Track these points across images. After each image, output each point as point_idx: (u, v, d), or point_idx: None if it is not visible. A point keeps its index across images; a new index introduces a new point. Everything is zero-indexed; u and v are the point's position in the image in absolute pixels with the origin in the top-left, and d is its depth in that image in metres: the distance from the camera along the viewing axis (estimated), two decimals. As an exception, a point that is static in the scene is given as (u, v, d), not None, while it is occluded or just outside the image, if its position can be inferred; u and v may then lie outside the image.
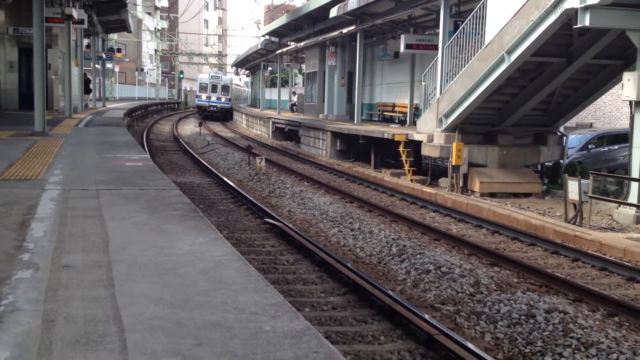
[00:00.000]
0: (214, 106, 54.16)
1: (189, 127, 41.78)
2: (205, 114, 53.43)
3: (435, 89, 17.90)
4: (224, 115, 54.97)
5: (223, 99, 54.78)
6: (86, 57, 34.69)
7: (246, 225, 11.73)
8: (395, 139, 18.56)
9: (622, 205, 12.89)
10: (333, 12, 25.70)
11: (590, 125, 26.11)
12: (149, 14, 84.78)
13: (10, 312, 3.37)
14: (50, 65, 25.63)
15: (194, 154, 23.95)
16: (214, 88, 54.36)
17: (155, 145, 27.68)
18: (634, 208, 12.54)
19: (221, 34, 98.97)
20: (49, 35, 23.83)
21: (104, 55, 40.31)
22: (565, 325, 6.70)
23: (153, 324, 3.26)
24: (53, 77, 26.51)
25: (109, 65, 47.47)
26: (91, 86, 35.02)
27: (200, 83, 55.91)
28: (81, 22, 24.08)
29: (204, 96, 54.85)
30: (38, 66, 15.08)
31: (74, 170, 9.10)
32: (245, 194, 14.48)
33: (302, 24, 34.22)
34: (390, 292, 7.40)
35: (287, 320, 3.35)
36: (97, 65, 38.09)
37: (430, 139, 17.03)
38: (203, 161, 21.42)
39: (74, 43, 27.88)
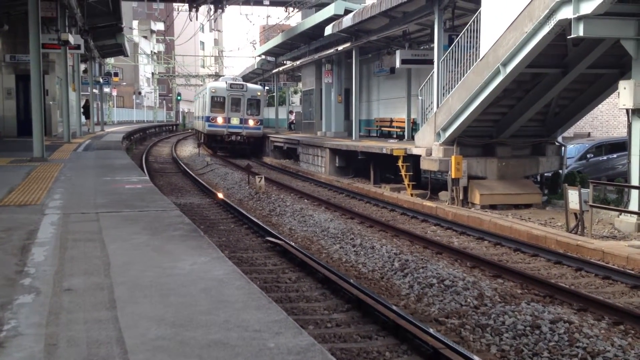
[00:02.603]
0: (236, 134, 33.92)
1: (188, 149, 41.84)
2: (223, 147, 34.83)
3: (432, 103, 17.96)
4: (253, 148, 35.08)
5: (251, 122, 34.06)
6: (84, 82, 34.89)
7: (247, 245, 11.70)
8: (394, 154, 18.58)
9: (623, 214, 12.88)
10: (328, 30, 25.85)
11: (588, 134, 26.15)
12: (145, 37, 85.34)
13: (12, 337, 3.36)
14: (48, 91, 25.74)
15: (194, 174, 23.95)
16: (236, 104, 34.11)
17: (154, 167, 27.70)
18: (635, 216, 12.52)
19: (217, 55, 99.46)
20: (45, 62, 23.94)
21: (101, 80, 40.52)
22: (571, 335, 6.66)
23: (156, 344, 3.24)
24: (51, 102, 26.61)
25: (106, 89, 47.69)
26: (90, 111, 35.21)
27: (212, 97, 34.27)
28: (78, 47, 24.22)
29: (219, 118, 33.84)
30: (36, 92, 15.14)
31: (74, 194, 9.10)
32: (246, 213, 14.46)
33: (298, 43, 34.42)
34: (394, 307, 7.37)
35: (291, 337, 3.34)
36: (94, 90, 38.26)
37: (429, 152, 17.04)
38: (202, 182, 21.41)
39: (71, 68, 28.01)
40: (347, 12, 24.67)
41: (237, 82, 35.68)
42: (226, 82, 35.18)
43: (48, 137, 22.05)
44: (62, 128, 24.96)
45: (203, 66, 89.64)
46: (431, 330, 6.57)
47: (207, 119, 34.36)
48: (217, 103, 34.15)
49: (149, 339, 3.32)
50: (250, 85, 36.01)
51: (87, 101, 35.77)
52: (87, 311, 3.78)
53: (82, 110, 32.29)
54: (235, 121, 33.95)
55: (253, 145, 34.99)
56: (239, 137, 34.10)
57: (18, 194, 9.05)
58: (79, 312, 3.76)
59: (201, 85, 68.38)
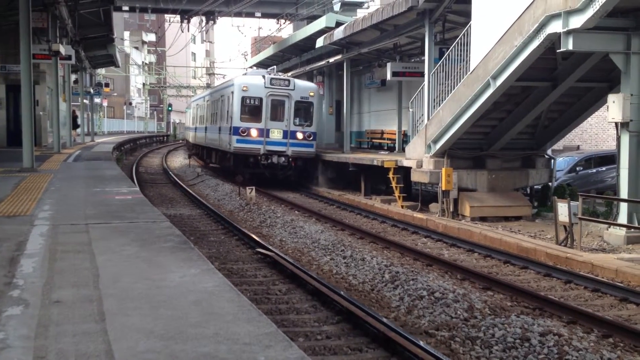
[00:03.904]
0: (279, 153, 23.45)
1: (179, 160, 41.75)
2: (257, 172, 23.60)
3: (422, 115, 18.02)
4: (301, 175, 24.80)
5: (299, 136, 23.72)
6: (74, 93, 34.82)
7: (238, 256, 11.68)
8: (385, 166, 18.62)
9: (612, 226, 12.94)
10: (319, 42, 25.93)
11: (578, 147, 26.29)
12: (137, 48, 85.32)
13: (0, 350, 3.33)
14: (38, 102, 25.66)
15: (184, 186, 23.89)
16: (278, 109, 23.74)
17: (144, 178, 27.62)
18: (624, 228, 12.58)
19: (209, 66, 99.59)
20: (36, 72, 23.91)
21: (91, 90, 40.45)
22: (560, 348, 6.68)
23: (145, 357, 3.23)
24: (41, 113, 26.52)
25: (97, 100, 47.59)
26: (79, 121, 35.07)
27: (243, 98, 23.63)
28: (69, 58, 24.20)
29: (253, 130, 23.35)
30: (26, 103, 15.11)
31: (63, 205, 9.06)
32: (236, 225, 14.43)
33: (289, 55, 34.49)
34: (385, 320, 7.36)
35: (281, 350, 3.33)
36: (85, 100, 38.18)
37: (420, 164, 17.09)
38: (193, 193, 21.37)
39: (61, 79, 27.97)
40: (338, 24, 24.76)
41: (280, 77, 24.36)
42: (264, 77, 23.74)
43: (38, 148, 21.97)
44: (52, 138, 24.88)
45: (194, 77, 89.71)
46: (421, 343, 6.57)
47: (236, 130, 23.18)
48: (248, 107, 23.48)
49: (138, 351, 3.30)
50: (298, 81, 24.79)
51: (73, 111, 35.73)
52: (76, 323, 3.76)
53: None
54: (276, 134, 23.30)
55: (301, 170, 24.25)
56: (282, 159, 23.30)
57: (7, 205, 9.01)
58: (68, 325, 3.74)
59: (192, 95, 64.03)
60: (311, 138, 23.79)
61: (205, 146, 31.99)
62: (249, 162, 23.68)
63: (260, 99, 23.40)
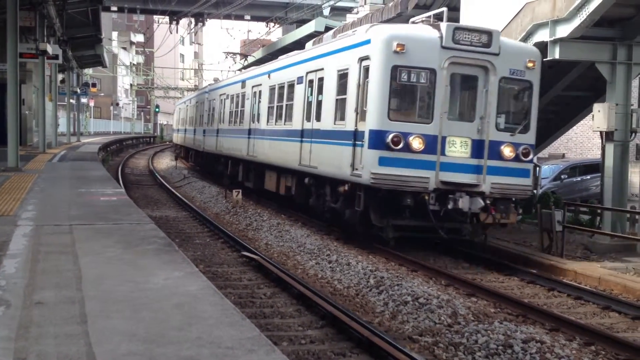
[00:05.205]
0: (468, 189, 11.27)
1: (165, 161, 41.57)
2: (418, 229, 11.76)
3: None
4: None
5: (506, 152, 11.55)
6: (60, 92, 34.62)
7: (223, 259, 11.64)
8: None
9: (595, 235, 13.03)
10: (308, 46, 25.90)
11: (563, 155, 26.46)
12: (125, 48, 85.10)
13: (-21, 351, 3.31)
14: (24, 101, 25.50)
15: (170, 187, 23.79)
16: (461, 96, 11.74)
17: (130, 179, 27.48)
18: (608, 237, 12.68)
19: (197, 68, 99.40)
20: (23, 71, 23.76)
21: (78, 90, 40.26)
22: (543, 355, 6.71)
23: (127, 360, 3.21)
24: (27, 112, 26.36)
25: (83, 100, 47.37)
26: (58, 122, 34.88)
27: (394, 68, 10.95)
28: (56, 57, 24.07)
29: (415, 142, 10.96)
30: (12, 102, 15.03)
31: (48, 206, 9.01)
32: (222, 228, 14.39)
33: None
34: (369, 325, 7.37)
35: (264, 354, 3.33)
36: (71, 100, 37.99)
37: (406, 170, 17.07)
38: (179, 195, 21.29)
39: (48, 78, 27.83)
40: (327, 29, 24.79)
41: (472, 28, 11.67)
42: (439, 29, 11.40)
43: (23, 147, 21.83)
44: (38, 138, 24.74)
45: (182, 79, 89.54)
46: (405, 349, 6.58)
47: (380, 139, 11.18)
48: (403, 90, 11.68)
49: (119, 354, 3.29)
50: (505, 40, 11.88)
51: None
52: (57, 325, 3.74)
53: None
54: (459, 149, 11.53)
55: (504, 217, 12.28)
56: (478, 201, 11.54)
57: (-10, 205, 8.94)
58: (49, 326, 3.72)
59: (180, 97, 61.80)
60: (528, 157, 12.22)
61: (242, 159, 20.93)
62: (404, 207, 11.59)
63: (433, 73, 11.33)
